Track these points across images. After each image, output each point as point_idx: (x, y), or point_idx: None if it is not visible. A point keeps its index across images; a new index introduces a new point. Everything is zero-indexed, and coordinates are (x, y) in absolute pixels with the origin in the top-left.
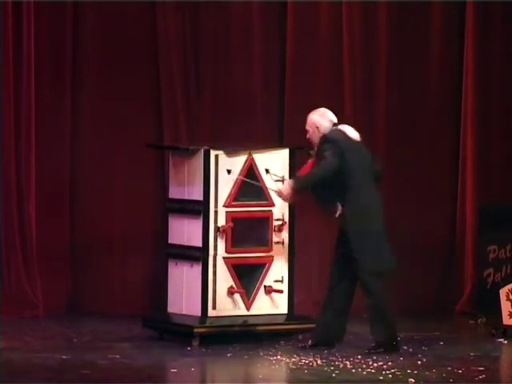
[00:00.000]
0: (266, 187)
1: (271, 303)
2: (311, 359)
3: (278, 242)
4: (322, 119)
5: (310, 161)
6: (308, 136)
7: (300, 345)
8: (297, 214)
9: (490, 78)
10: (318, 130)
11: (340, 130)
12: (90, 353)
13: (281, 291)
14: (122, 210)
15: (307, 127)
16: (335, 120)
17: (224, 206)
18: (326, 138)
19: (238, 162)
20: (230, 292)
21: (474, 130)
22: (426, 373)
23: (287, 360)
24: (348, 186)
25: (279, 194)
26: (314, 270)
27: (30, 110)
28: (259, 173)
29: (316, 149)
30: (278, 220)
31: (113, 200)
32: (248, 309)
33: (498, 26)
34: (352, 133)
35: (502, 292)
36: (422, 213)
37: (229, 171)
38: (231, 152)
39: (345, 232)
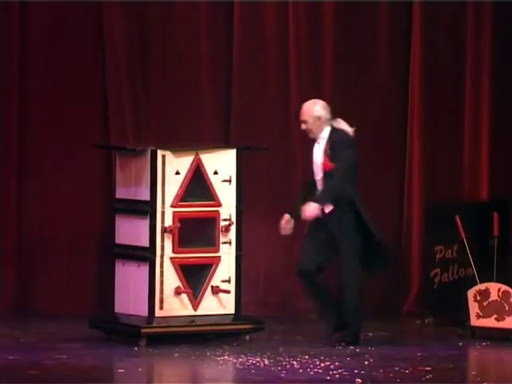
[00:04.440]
0: None
1: (218, 303)
2: (258, 359)
3: (225, 242)
4: (324, 111)
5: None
6: (305, 127)
7: None
8: (244, 214)
9: (436, 78)
10: (320, 121)
11: (340, 123)
12: (37, 353)
13: (228, 291)
14: (69, 210)
15: (306, 117)
16: None
17: (171, 206)
18: (342, 132)
19: (185, 163)
20: (177, 292)
21: (420, 131)
22: (373, 373)
23: (234, 360)
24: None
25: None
26: (261, 270)
27: None
28: (206, 173)
29: (318, 140)
30: (225, 220)
31: (60, 200)
32: (195, 309)
33: (445, 26)
34: (348, 127)
35: (470, 293)
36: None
37: None
38: (178, 152)
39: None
